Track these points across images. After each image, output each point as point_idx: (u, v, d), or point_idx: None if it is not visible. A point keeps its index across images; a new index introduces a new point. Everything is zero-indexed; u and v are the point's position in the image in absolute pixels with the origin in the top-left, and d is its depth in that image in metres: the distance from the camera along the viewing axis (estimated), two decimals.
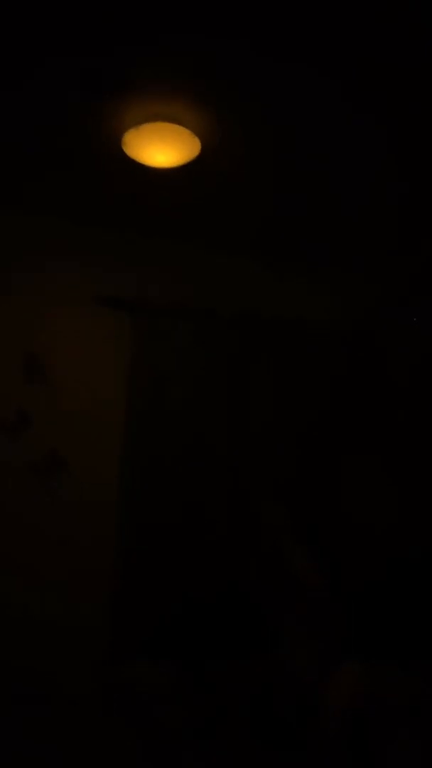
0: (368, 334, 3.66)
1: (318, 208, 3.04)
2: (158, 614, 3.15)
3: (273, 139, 2.46)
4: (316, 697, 2.64)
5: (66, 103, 2.26)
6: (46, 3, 1.74)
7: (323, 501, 3.45)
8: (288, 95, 2.15)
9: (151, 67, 1.98)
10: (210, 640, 3.12)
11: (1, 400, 3.12)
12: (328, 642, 2.93)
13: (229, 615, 3.17)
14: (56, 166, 2.75)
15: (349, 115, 2.22)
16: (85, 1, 1.73)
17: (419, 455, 3.60)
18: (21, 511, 3.10)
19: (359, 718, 2.47)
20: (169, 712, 2.81)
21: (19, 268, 3.25)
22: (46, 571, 3.09)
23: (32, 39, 1.88)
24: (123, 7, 1.75)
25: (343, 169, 2.63)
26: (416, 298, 3.72)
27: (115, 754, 2.62)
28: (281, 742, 2.66)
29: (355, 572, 3.31)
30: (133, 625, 3.13)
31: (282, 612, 3.10)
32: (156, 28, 1.82)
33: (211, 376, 3.36)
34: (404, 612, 3.16)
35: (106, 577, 3.15)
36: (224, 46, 1.88)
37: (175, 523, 3.24)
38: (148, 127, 2.35)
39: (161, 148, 2.45)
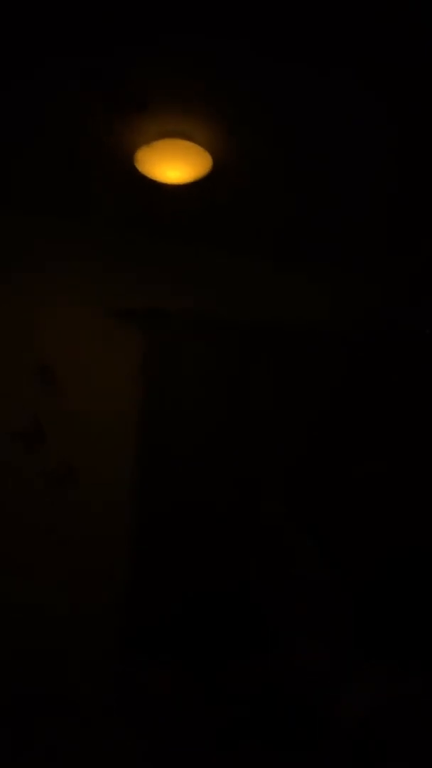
0: (369, 335, 3.66)
1: (321, 211, 3.05)
2: (166, 613, 3.16)
3: (282, 148, 2.49)
4: (321, 698, 2.64)
5: (78, 122, 2.34)
6: (46, 3, 1.74)
7: (326, 499, 3.46)
8: (293, 103, 2.16)
9: (152, 68, 1.98)
10: (215, 640, 3.12)
11: (16, 411, 3.16)
12: (332, 642, 2.93)
13: (235, 614, 3.18)
14: (70, 182, 2.82)
15: (350, 116, 2.22)
16: (85, 1, 1.73)
17: (421, 454, 3.61)
18: (35, 518, 3.12)
19: (370, 727, 2.47)
20: (172, 713, 2.81)
21: (31, 281, 3.28)
22: (58, 575, 3.10)
23: (32, 39, 1.88)
24: (123, 7, 1.75)
25: (345, 170, 2.63)
26: (417, 298, 3.72)
27: (118, 755, 2.62)
28: (284, 742, 2.66)
29: (358, 570, 3.32)
30: (141, 623, 3.15)
31: (284, 611, 3.10)
32: (156, 28, 1.82)
33: (220, 381, 3.41)
34: (408, 610, 3.16)
35: (116, 579, 3.16)
36: (224, 46, 1.88)
37: (185, 523, 3.26)
38: (160, 145, 2.39)
39: (173, 164, 2.50)
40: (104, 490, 3.23)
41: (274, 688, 2.86)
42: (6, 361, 3.19)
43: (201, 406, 3.38)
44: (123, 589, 3.17)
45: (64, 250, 3.34)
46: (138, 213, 3.09)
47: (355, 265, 3.63)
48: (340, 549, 3.37)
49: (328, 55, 1.92)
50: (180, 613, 3.17)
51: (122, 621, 3.15)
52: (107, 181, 2.78)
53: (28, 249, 3.28)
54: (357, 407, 3.59)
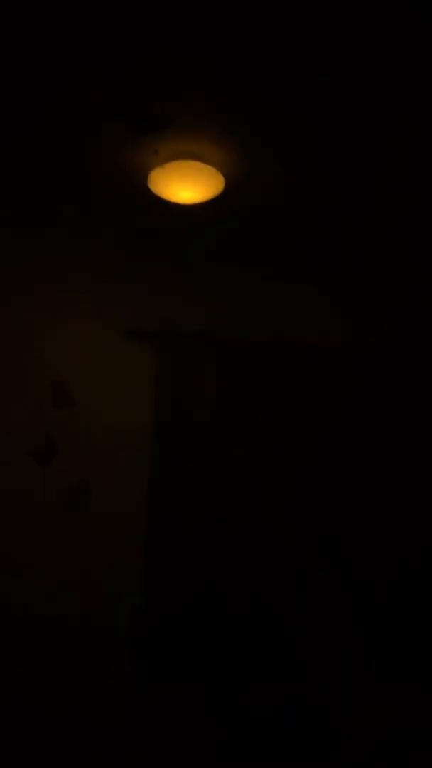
0: (381, 348, 3.66)
1: (332, 225, 3.07)
2: (179, 627, 3.15)
3: (291, 162, 2.50)
4: (341, 718, 2.64)
5: (94, 145, 2.41)
6: (46, 3, 1.74)
7: (340, 512, 3.45)
8: (301, 110, 2.17)
9: (152, 69, 1.98)
10: (228, 658, 3.12)
11: (31, 428, 3.18)
12: (352, 661, 2.93)
13: (249, 630, 3.17)
14: (83, 203, 2.88)
15: (357, 121, 2.22)
16: (85, 1, 1.73)
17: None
18: (49, 532, 3.13)
19: (389, 748, 2.46)
20: (187, 735, 2.81)
21: (46, 299, 3.32)
22: (72, 588, 3.11)
23: (31, 39, 1.88)
24: (123, 7, 1.75)
25: (355, 180, 2.62)
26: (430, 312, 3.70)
27: None
28: (292, 754, 2.66)
29: (372, 585, 3.31)
30: (155, 637, 3.14)
31: (299, 629, 3.10)
32: (156, 28, 1.82)
33: (232, 397, 3.44)
34: (422, 628, 3.15)
35: (130, 592, 3.16)
36: (224, 46, 1.88)
37: (198, 537, 3.27)
38: (173, 166, 2.44)
39: (186, 185, 2.54)
40: (118, 504, 3.24)
41: (290, 707, 2.86)
42: (20, 377, 3.22)
43: (213, 421, 3.40)
44: (136, 603, 3.16)
45: (78, 267, 3.38)
46: (151, 231, 3.14)
47: (368, 279, 3.64)
48: (355, 563, 3.36)
49: (329, 56, 1.91)
50: (193, 629, 3.16)
51: (135, 636, 3.13)
52: (121, 201, 2.85)
53: (42, 266, 3.33)
54: (369, 419, 3.58)
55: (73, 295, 3.35)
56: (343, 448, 3.53)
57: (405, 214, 2.83)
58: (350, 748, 2.56)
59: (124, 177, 2.63)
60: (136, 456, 3.30)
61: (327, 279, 3.63)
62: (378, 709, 2.66)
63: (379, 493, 3.50)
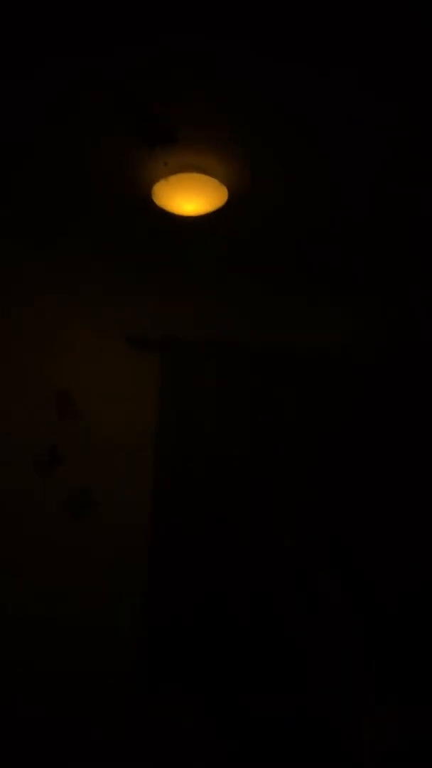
0: (389, 359, 3.66)
1: (335, 236, 3.09)
2: (185, 636, 3.16)
3: (293, 168, 2.51)
4: (341, 726, 2.64)
5: (93, 159, 2.45)
6: (46, 3, 1.74)
7: (347, 522, 3.46)
8: (302, 115, 2.17)
9: (152, 69, 1.98)
10: (234, 666, 3.12)
11: (35, 437, 3.22)
12: (355, 670, 2.94)
13: (254, 638, 3.17)
14: (88, 214, 2.92)
15: (360, 124, 2.22)
16: (85, 1, 1.73)
17: None
18: (54, 540, 3.16)
19: (388, 758, 2.47)
20: (189, 740, 2.81)
21: (50, 308, 3.35)
22: (77, 597, 3.13)
23: (31, 39, 1.88)
24: (123, 7, 1.75)
25: (358, 188, 2.63)
26: None
27: None
28: (299, 759, 2.66)
29: (382, 596, 3.30)
30: (160, 646, 3.16)
31: (308, 638, 3.10)
32: (156, 28, 1.82)
33: (235, 405, 3.48)
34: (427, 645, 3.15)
35: (134, 600, 3.20)
36: (224, 46, 1.88)
37: (203, 544, 3.30)
38: (176, 178, 2.48)
39: (190, 197, 2.58)
40: (121, 512, 3.27)
41: (292, 713, 2.86)
42: (25, 386, 3.25)
43: (216, 428, 3.44)
44: (139, 611, 3.18)
45: (82, 278, 3.42)
46: (155, 243, 3.16)
47: (371, 286, 3.65)
48: (362, 572, 3.35)
49: (329, 56, 1.91)
50: (196, 636, 3.16)
51: (138, 642, 3.15)
52: (125, 213, 2.88)
53: (45, 277, 3.38)
54: (373, 426, 3.59)
55: (77, 305, 3.38)
56: (348, 454, 3.54)
57: (405, 215, 2.83)
58: (350, 756, 2.56)
59: (128, 189, 2.66)
60: (140, 464, 3.31)
61: (330, 288, 3.65)
62: (378, 719, 2.67)
63: (385, 501, 3.50)
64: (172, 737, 2.89)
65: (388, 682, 2.97)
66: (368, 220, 2.88)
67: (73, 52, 1.92)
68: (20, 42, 1.88)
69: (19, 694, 2.96)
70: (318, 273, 3.51)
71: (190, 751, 2.85)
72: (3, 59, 1.95)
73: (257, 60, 1.93)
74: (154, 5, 1.74)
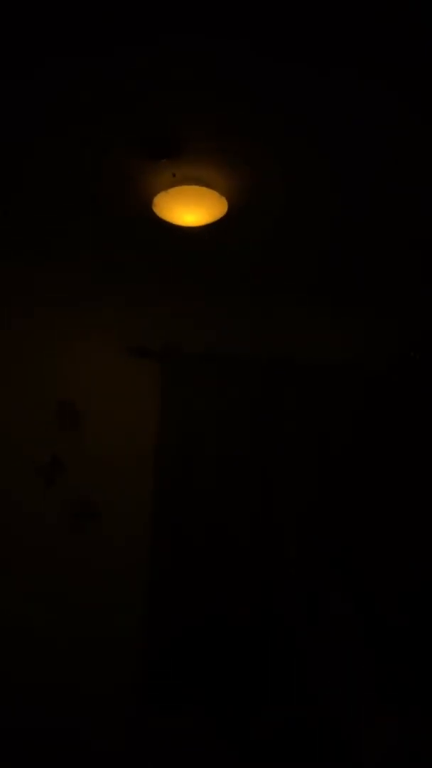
0: (393, 370, 3.66)
1: (335, 245, 3.11)
2: (185, 650, 3.15)
3: (293, 170, 2.51)
4: (346, 736, 2.64)
5: (95, 171, 2.49)
6: (46, 3, 1.74)
7: (354, 535, 3.45)
8: (303, 119, 2.17)
9: (152, 69, 1.98)
10: (237, 679, 3.11)
11: (37, 446, 3.23)
12: (360, 682, 2.93)
13: (257, 651, 3.16)
14: (88, 225, 2.96)
15: (366, 131, 2.22)
16: (85, 1, 1.73)
17: None
18: (55, 551, 3.18)
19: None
20: (193, 757, 2.81)
21: (51, 319, 3.36)
22: (78, 607, 3.15)
23: (31, 39, 1.88)
24: (123, 7, 1.75)
25: (364, 186, 2.63)
26: None
27: None
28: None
29: (387, 607, 3.30)
30: (160, 659, 3.15)
31: (313, 647, 3.10)
32: (156, 28, 1.82)
33: (237, 414, 3.48)
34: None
35: (135, 611, 3.20)
36: (224, 46, 1.88)
37: (204, 554, 3.30)
38: (176, 190, 2.52)
39: (190, 208, 2.62)
40: (123, 522, 3.29)
41: (297, 723, 2.86)
42: (27, 397, 3.26)
43: (218, 439, 3.44)
44: (143, 622, 3.19)
45: (84, 289, 3.45)
46: (156, 254, 3.20)
47: (373, 298, 3.67)
48: (367, 583, 3.35)
49: (329, 56, 1.91)
50: (199, 648, 3.16)
51: (141, 655, 3.15)
52: (125, 224, 2.92)
53: (48, 289, 3.40)
54: (375, 438, 3.59)
55: (78, 316, 3.41)
56: (349, 463, 3.53)
57: (405, 215, 2.83)
58: (350, 758, 2.56)
59: (129, 201, 2.70)
60: (141, 474, 3.33)
61: (331, 297, 3.67)
62: (378, 722, 2.67)
63: (386, 508, 3.49)
64: (173, 747, 2.89)
65: (389, 686, 2.97)
66: (368, 223, 2.89)
67: (73, 52, 1.92)
68: (20, 42, 1.88)
69: (18, 703, 2.96)
70: (318, 282, 3.52)
71: (190, 761, 2.84)
72: (3, 59, 1.94)
73: (257, 60, 1.93)
74: (154, 5, 1.74)
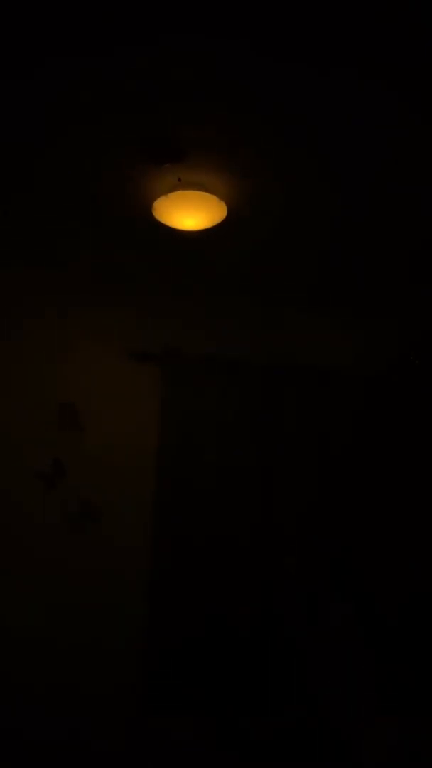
0: (394, 374, 3.66)
1: (335, 250, 3.13)
2: (186, 654, 3.15)
3: (293, 172, 2.52)
4: (348, 735, 2.64)
5: (93, 174, 2.52)
6: (46, 3, 1.74)
7: (353, 539, 3.45)
8: (303, 119, 2.17)
9: (152, 69, 1.98)
10: (237, 682, 3.11)
11: (38, 449, 3.23)
12: (360, 685, 2.93)
13: (257, 654, 3.16)
14: (88, 230, 2.99)
15: (366, 131, 2.22)
16: (85, 1, 1.73)
17: None
18: (56, 554, 3.16)
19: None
20: (192, 758, 2.81)
21: (53, 324, 3.38)
22: (78, 611, 3.13)
23: (31, 39, 1.88)
24: (123, 7, 1.75)
25: (364, 186, 2.63)
26: None
27: None
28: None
29: (386, 609, 3.30)
30: (161, 662, 3.14)
31: (313, 649, 3.09)
32: (156, 28, 1.82)
33: (237, 416, 3.48)
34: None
35: (136, 614, 3.18)
36: (224, 46, 1.88)
37: (205, 557, 3.28)
38: (176, 195, 2.54)
39: (190, 213, 2.64)
40: (124, 526, 3.28)
41: (296, 727, 2.86)
42: (29, 401, 3.27)
43: (219, 442, 3.43)
44: (143, 623, 3.18)
45: (86, 293, 3.46)
46: (156, 258, 3.22)
47: (373, 301, 3.68)
48: (365, 585, 3.35)
49: (329, 56, 1.91)
50: (200, 652, 3.15)
51: (142, 661, 3.14)
52: (126, 228, 2.95)
53: (50, 296, 3.41)
54: (376, 442, 3.59)
55: (79, 320, 3.40)
56: (350, 466, 3.53)
57: (405, 216, 2.83)
58: (350, 759, 2.56)
59: (129, 206, 2.72)
60: (142, 476, 3.32)
61: (331, 300, 3.67)
62: (378, 725, 2.67)
63: (390, 512, 3.49)
64: (173, 747, 2.89)
65: (389, 686, 2.97)
66: (368, 223, 2.89)
67: (73, 52, 1.92)
68: (20, 42, 1.88)
69: (18, 703, 2.96)
70: (318, 284, 3.53)
71: (190, 761, 2.84)
72: (3, 59, 1.94)
73: (257, 60, 1.93)
74: (154, 5, 1.74)
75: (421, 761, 2.54)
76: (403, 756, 2.55)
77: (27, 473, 3.19)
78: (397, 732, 2.65)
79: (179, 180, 2.51)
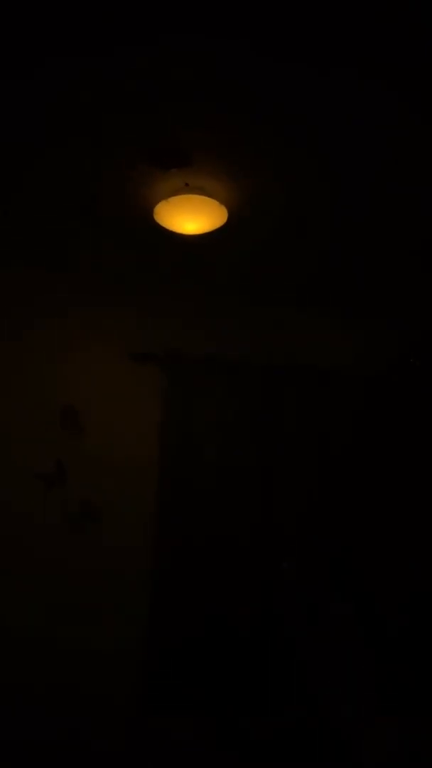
0: (394, 374, 3.66)
1: (335, 253, 3.14)
2: (187, 654, 3.15)
3: (293, 174, 2.53)
4: (351, 737, 2.65)
5: (95, 179, 2.54)
6: (46, 3, 1.74)
7: (353, 539, 3.45)
8: (303, 119, 2.17)
9: (152, 69, 1.98)
10: (237, 682, 3.11)
11: (39, 450, 3.23)
12: (360, 686, 2.93)
13: (258, 654, 3.16)
14: (90, 230, 2.99)
15: (366, 131, 2.22)
16: (85, 1, 1.73)
17: None
18: (57, 556, 3.16)
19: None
20: (192, 758, 2.81)
21: (54, 322, 3.38)
22: (80, 612, 3.12)
23: (31, 39, 1.88)
24: (123, 7, 1.75)
25: (364, 186, 2.63)
26: None
27: None
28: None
29: (387, 606, 3.29)
30: (162, 662, 3.14)
31: (313, 650, 3.10)
32: (156, 28, 1.82)
33: (238, 416, 3.48)
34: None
35: (137, 616, 3.18)
36: (224, 46, 1.88)
37: (206, 559, 3.28)
38: (177, 199, 2.56)
39: (190, 217, 2.66)
40: (124, 526, 3.27)
41: (297, 728, 2.86)
42: (30, 402, 3.27)
43: (220, 443, 3.43)
44: (143, 623, 3.17)
45: (88, 295, 3.46)
46: (156, 259, 3.23)
47: (382, 311, 3.68)
48: (366, 586, 3.35)
49: (329, 56, 1.91)
50: (200, 652, 3.15)
51: (143, 662, 3.13)
52: (127, 232, 2.96)
53: (51, 297, 3.41)
54: (376, 442, 3.59)
55: (81, 322, 3.40)
56: (350, 466, 3.53)
57: (405, 216, 2.83)
58: (350, 759, 2.56)
59: (129, 205, 2.72)
60: (142, 476, 3.32)
61: (331, 300, 3.67)
62: (378, 725, 2.67)
63: (390, 512, 3.49)
64: (173, 747, 2.89)
65: (389, 686, 2.97)
66: (369, 224, 2.89)
67: (73, 52, 1.92)
68: (20, 42, 1.88)
69: (18, 703, 2.95)
70: (319, 285, 3.53)
71: (190, 761, 2.84)
72: (3, 59, 1.94)
73: (257, 60, 1.93)
74: (154, 5, 1.74)
75: (421, 761, 2.54)
76: (403, 756, 2.55)
77: (27, 473, 3.19)
78: (397, 732, 2.66)
79: (186, 185, 2.52)
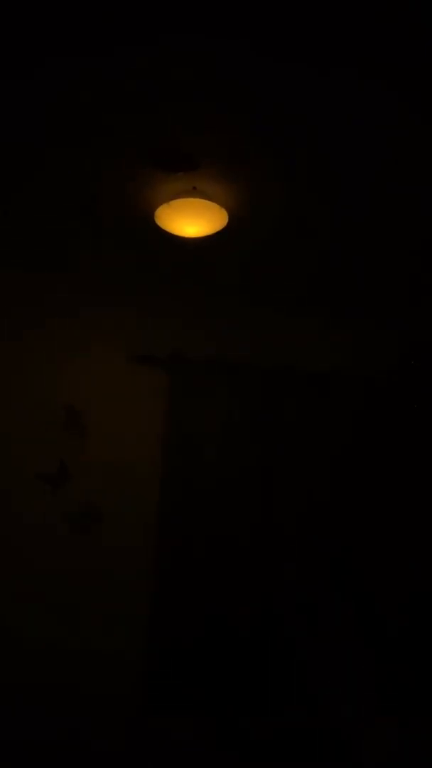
0: (394, 378, 3.66)
1: (334, 255, 3.15)
2: (189, 656, 3.15)
3: (293, 175, 2.53)
4: (351, 737, 2.65)
5: (96, 182, 2.56)
6: (46, 3, 1.74)
7: (354, 540, 3.46)
8: (303, 119, 2.17)
9: (152, 69, 1.98)
10: (237, 683, 3.11)
11: (43, 452, 3.23)
12: (360, 685, 2.93)
13: (259, 655, 3.16)
14: (91, 230, 3.00)
15: (366, 131, 2.22)
16: (85, 1, 1.73)
17: None
18: (59, 557, 3.17)
19: None
20: (192, 758, 2.80)
21: (58, 328, 3.38)
22: (82, 614, 3.13)
23: (31, 39, 1.88)
24: (123, 7, 1.75)
25: (364, 186, 2.63)
26: None
27: None
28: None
29: (387, 605, 3.29)
30: (163, 664, 3.14)
31: (313, 650, 3.09)
32: (156, 28, 1.82)
33: (239, 418, 3.49)
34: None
35: (139, 617, 3.18)
36: (224, 46, 1.88)
37: (208, 561, 3.29)
38: (178, 203, 2.57)
39: (191, 220, 2.67)
40: (126, 526, 3.28)
41: (297, 728, 2.86)
42: (34, 404, 3.27)
43: (223, 445, 3.43)
44: (144, 623, 3.18)
45: (90, 298, 3.46)
46: (156, 262, 3.24)
47: (374, 308, 3.68)
48: (366, 586, 3.35)
49: (329, 56, 1.91)
50: (200, 652, 3.15)
51: (143, 662, 3.14)
52: (129, 234, 2.97)
53: (51, 297, 3.42)
54: (378, 443, 3.59)
55: (85, 324, 3.42)
56: (351, 467, 3.53)
57: (405, 216, 2.83)
58: (350, 759, 2.56)
59: (130, 205, 2.72)
60: (143, 478, 3.33)
61: (331, 302, 3.67)
62: (378, 725, 2.67)
63: (390, 513, 3.49)
64: (173, 747, 2.89)
65: (389, 686, 2.97)
66: (369, 224, 2.89)
67: (73, 52, 1.92)
68: (20, 42, 1.88)
69: (18, 703, 2.96)
70: (319, 287, 3.53)
71: (190, 761, 2.84)
72: (3, 59, 1.94)
73: (257, 60, 1.92)
74: (154, 5, 1.74)
75: (421, 761, 2.54)
76: (403, 756, 2.55)
77: (29, 474, 3.19)
78: (397, 732, 2.66)
79: (194, 188, 2.53)
